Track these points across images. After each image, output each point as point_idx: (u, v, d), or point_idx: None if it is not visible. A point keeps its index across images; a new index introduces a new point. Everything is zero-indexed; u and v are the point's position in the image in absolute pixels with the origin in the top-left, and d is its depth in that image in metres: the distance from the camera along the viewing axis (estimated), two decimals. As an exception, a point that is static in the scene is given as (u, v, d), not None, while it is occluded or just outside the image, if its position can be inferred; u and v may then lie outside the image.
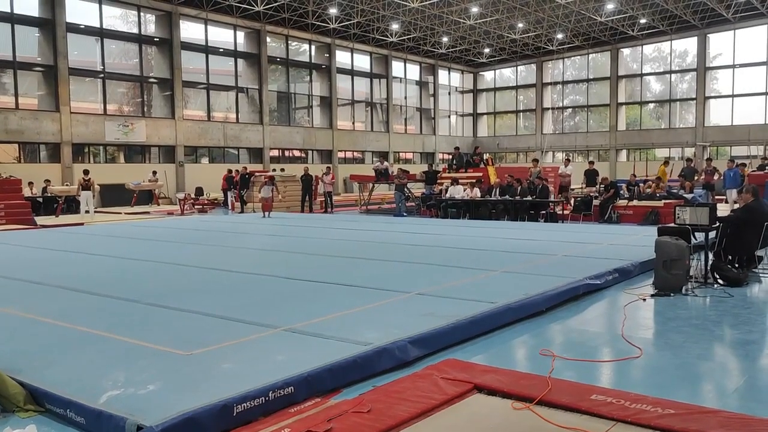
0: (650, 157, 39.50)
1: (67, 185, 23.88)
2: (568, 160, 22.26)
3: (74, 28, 26.48)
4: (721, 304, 7.01)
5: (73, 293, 7.31)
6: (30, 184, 22.77)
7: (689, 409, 3.78)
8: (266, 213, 19.40)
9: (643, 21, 35.34)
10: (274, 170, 25.80)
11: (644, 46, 39.94)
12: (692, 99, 38.46)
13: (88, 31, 27.29)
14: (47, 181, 23.52)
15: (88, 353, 4.81)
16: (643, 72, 40.93)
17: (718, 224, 8.08)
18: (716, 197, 18.18)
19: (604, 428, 3.56)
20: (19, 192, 19.56)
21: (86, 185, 20.16)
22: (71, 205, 22.45)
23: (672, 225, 8.17)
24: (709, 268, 8.02)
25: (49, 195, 23.00)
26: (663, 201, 16.33)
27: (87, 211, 20.10)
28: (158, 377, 4.20)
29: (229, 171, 25.30)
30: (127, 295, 7.03)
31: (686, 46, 38.98)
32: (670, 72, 39.76)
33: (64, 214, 21.42)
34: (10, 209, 18.04)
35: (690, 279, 7.72)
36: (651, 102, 42.31)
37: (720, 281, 7.92)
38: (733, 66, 36.54)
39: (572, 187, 21.08)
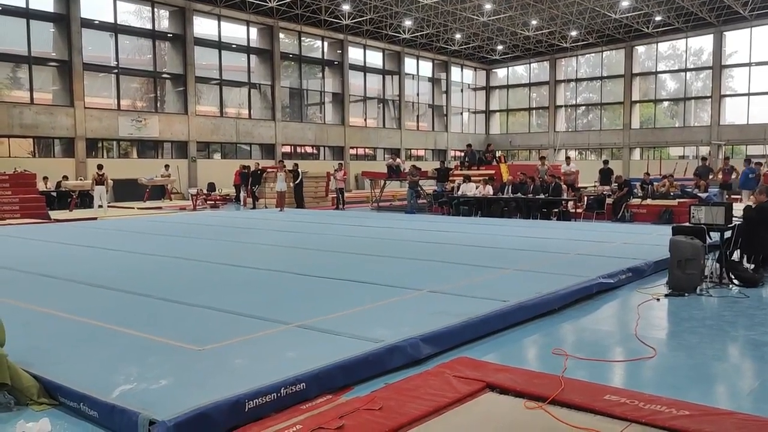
0: (664, 156, 39.22)
1: (80, 180, 24.04)
2: (568, 158, 22.17)
3: (89, 24, 26.65)
4: (737, 304, 6.93)
5: (85, 287, 7.35)
6: (44, 178, 22.94)
7: (704, 411, 3.74)
8: (281, 208, 19.24)
9: (658, 18, 35.05)
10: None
11: (659, 44, 39.63)
12: (707, 97, 38.14)
13: (103, 26, 27.46)
14: (65, 177, 23.70)
15: (101, 348, 4.84)
16: (658, 70, 40.61)
17: (733, 224, 8.01)
18: (732, 197, 17.98)
19: (617, 429, 3.53)
20: (34, 186, 19.72)
21: (100, 180, 20.27)
22: (85, 199, 22.60)
23: (687, 224, 8.09)
24: (724, 268, 7.94)
25: (63, 189, 23.17)
26: (677, 200, 16.22)
27: (100, 206, 20.21)
28: (170, 372, 4.21)
29: (242, 167, 25.37)
30: (140, 290, 7.05)
31: (702, 43, 38.63)
32: (685, 70, 39.42)
33: (77, 209, 21.57)
34: (24, 203, 18.19)
35: (705, 279, 7.65)
36: (665, 100, 41.98)
37: (735, 281, 7.84)
38: (749, 64, 36.17)
39: (582, 185, 20.95)
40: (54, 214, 18.82)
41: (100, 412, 3.70)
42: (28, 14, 24.88)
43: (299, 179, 22.61)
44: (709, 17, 34.54)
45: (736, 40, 36.94)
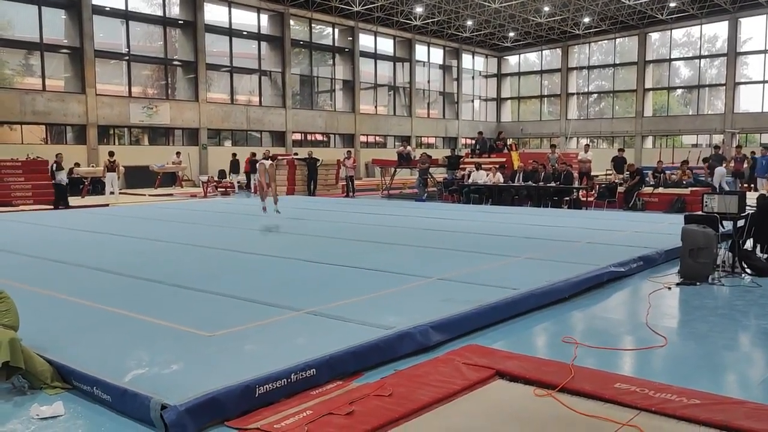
0: (677, 144, 38.88)
1: (92, 167, 24.17)
2: (587, 146, 22.05)
3: (100, 11, 26.65)
4: (749, 293, 6.89)
5: (97, 273, 7.41)
6: (52, 166, 23.02)
7: (714, 400, 3.73)
8: (266, 202, 13.67)
9: (672, 4, 34.60)
10: (296, 153, 25.96)
11: (673, 31, 39.14)
12: (722, 85, 37.67)
13: (114, 13, 27.45)
14: (77, 164, 23.83)
15: (113, 333, 4.88)
16: (672, 57, 40.14)
17: (746, 213, 7.94)
18: (745, 185, 17.83)
19: (627, 417, 3.53)
20: (46, 173, 19.84)
21: (111, 167, 20.40)
22: (97, 186, 22.73)
23: (699, 213, 8.04)
24: (736, 257, 7.88)
25: (75, 176, 23.28)
26: (690, 188, 16.10)
27: (112, 193, 20.35)
28: (181, 357, 4.25)
29: (252, 154, 25.39)
30: (151, 276, 7.10)
31: (716, 30, 38.12)
32: (700, 57, 38.94)
33: (89, 196, 21.70)
34: (37, 190, 18.34)
35: (717, 268, 7.60)
36: (679, 87, 41.51)
37: (748, 271, 7.78)
38: (765, 51, 35.64)
39: (594, 173, 20.83)
40: (66, 201, 18.93)
41: (112, 396, 3.74)
42: (39, 1, 24.90)
43: (315, 167, 22.75)
44: (724, 3, 34.08)
45: (752, 27, 36.42)
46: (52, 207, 17.52)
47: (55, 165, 18.02)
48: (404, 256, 8.53)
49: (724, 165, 18.98)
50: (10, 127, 24.84)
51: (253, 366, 3.95)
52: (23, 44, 25.68)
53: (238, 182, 25.63)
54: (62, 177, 17.89)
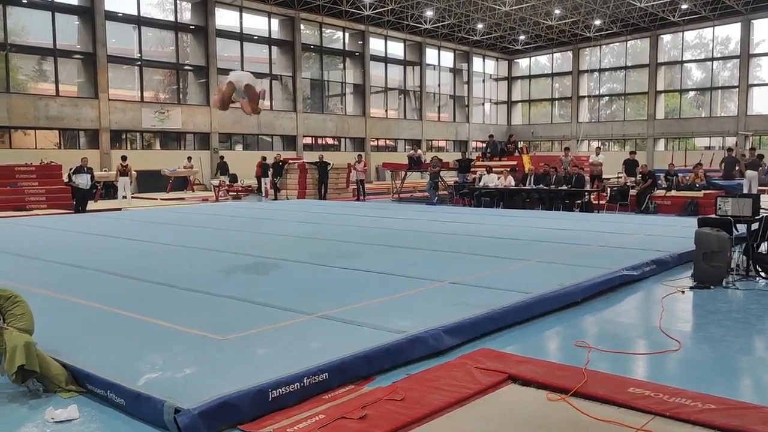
0: (689, 147, 38.64)
1: (105, 171, 24.34)
2: (599, 149, 21.95)
3: (112, 16, 26.91)
4: (764, 297, 6.83)
5: (110, 277, 7.45)
6: (70, 169, 23.21)
7: (729, 405, 3.70)
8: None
9: (684, 6, 34.43)
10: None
11: (685, 33, 38.94)
12: (734, 87, 37.43)
13: (126, 18, 27.70)
14: (90, 168, 23.98)
15: (126, 336, 4.91)
16: (684, 59, 39.92)
17: (761, 216, 7.87)
18: (760, 188, 17.64)
19: (641, 422, 3.51)
20: (60, 177, 19.99)
21: (124, 171, 20.52)
22: (109, 190, 22.88)
23: (713, 216, 7.98)
24: (751, 260, 7.81)
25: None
26: (702, 191, 15.98)
27: (124, 197, 20.47)
28: (194, 361, 4.26)
29: (263, 158, 25.48)
30: (164, 280, 7.13)
31: (729, 32, 37.91)
32: (712, 59, 38.71)
33: (102, 200, 21.84)
34: (50, 194, 18.49)
35: (731, 272, 7.54)
36: (691, 90, 41.28)
37: (762, 274, 7.71)
38: (778, 53, 35.46)
39: (606, 176, 20.71)
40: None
41: (126, 399, 3.76)
42: (53, 7, 25.18)
43: (325, 171, 22.83)
44: (736, 5, 33.86)
45: (765, 29, 36.20)
46: (73, 211, 17.66)
47: (72, 168, 18.15)
48: (415, 260, 8.52)
49: (737, 168, 18.78)
50: (24, 132, 25.09)
51: (266, 370, 3.96)
52: (37, 50, 25.97)
53: (249, 187, 25.67)
54: (81, 180, 17.93)
